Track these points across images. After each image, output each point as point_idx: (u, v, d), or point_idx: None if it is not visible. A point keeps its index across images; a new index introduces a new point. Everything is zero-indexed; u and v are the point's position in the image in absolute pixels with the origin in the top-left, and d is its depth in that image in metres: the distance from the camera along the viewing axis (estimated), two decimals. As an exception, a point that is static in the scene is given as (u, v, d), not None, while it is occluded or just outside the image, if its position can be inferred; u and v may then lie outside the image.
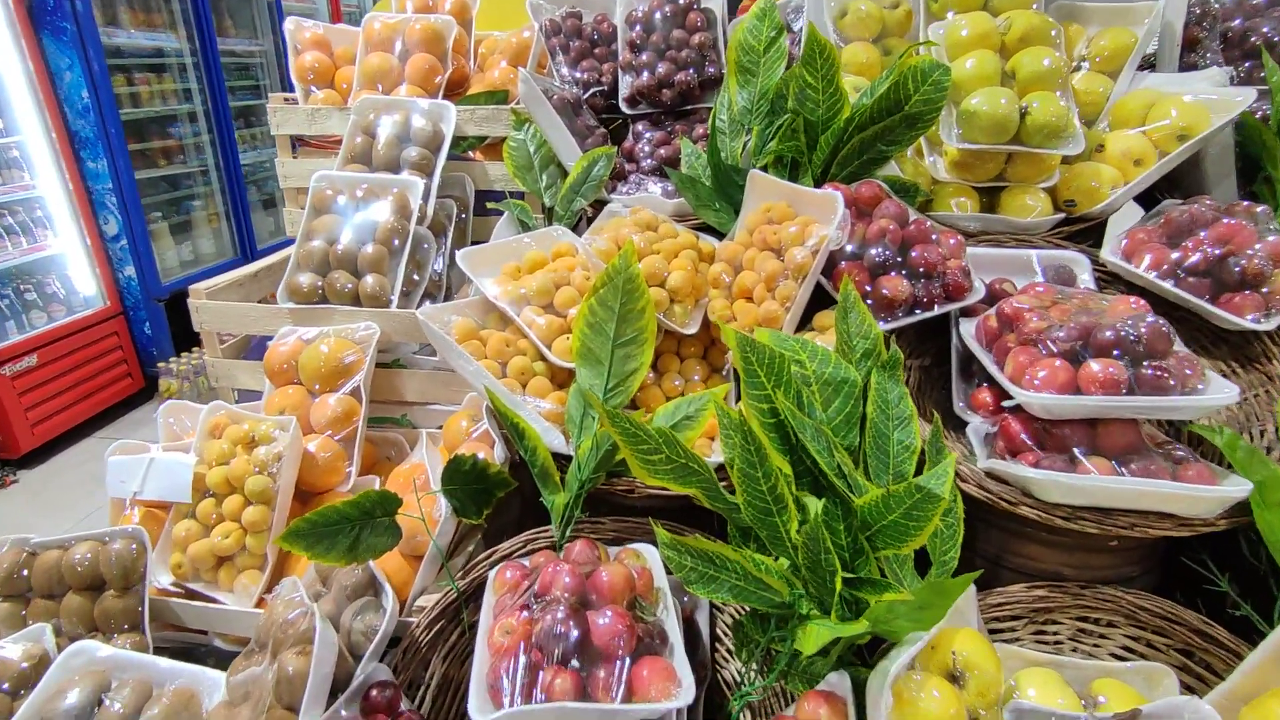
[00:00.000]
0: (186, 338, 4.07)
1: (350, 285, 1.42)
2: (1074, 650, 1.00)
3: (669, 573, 1.03)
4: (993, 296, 1.24)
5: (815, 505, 0.93)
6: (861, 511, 0.86)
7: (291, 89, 1.83)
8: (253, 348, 1.61)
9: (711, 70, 1.63)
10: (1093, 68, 1.47)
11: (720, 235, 1.43)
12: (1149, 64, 1.55)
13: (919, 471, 0.97)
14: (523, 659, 0.86)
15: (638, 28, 1.67)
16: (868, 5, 1.57)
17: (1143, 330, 0.93)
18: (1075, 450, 0.95)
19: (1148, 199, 1.36)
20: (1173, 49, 1.50)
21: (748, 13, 1.41)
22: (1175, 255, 1.18)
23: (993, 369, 1.05)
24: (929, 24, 1.54)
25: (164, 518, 1.28)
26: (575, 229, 1.50)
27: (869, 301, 1.18)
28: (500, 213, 1.67)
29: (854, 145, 1.32)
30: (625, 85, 1.67)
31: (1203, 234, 1.17)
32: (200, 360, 3.86)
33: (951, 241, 1.22)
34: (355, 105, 1.62)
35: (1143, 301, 1.01)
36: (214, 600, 1.19)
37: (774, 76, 1.39)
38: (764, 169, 1.38)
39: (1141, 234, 1.24)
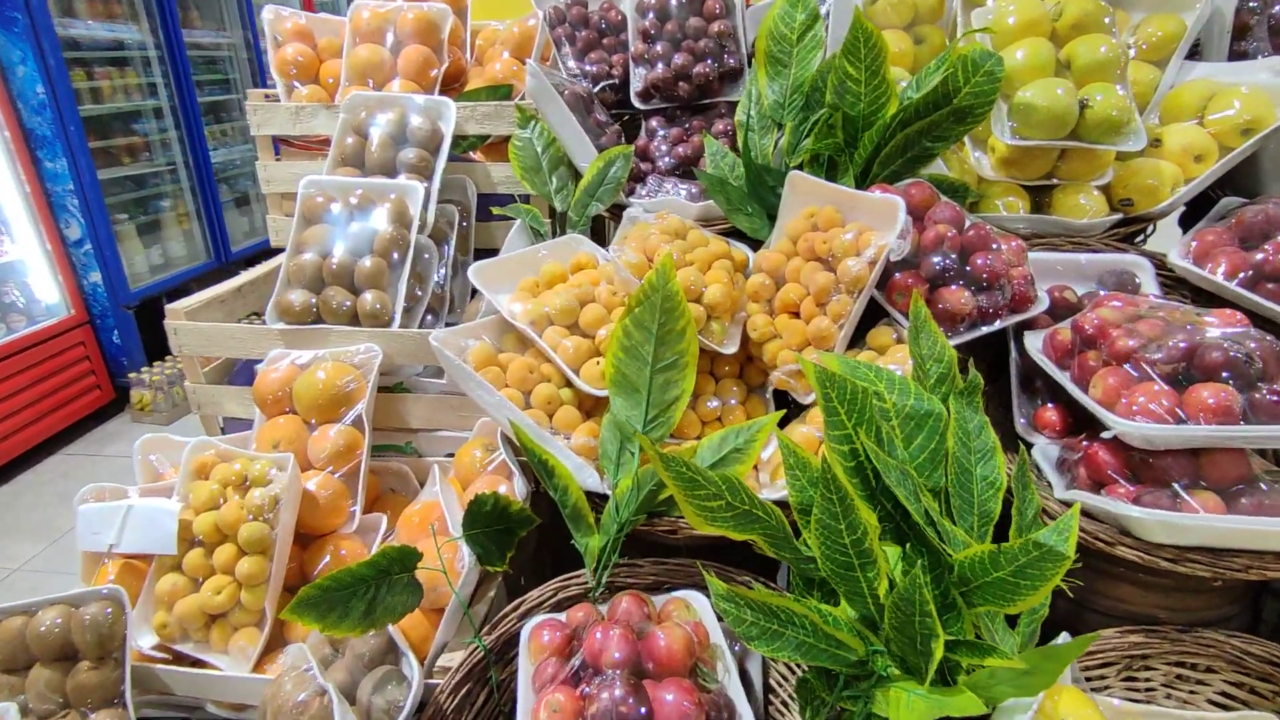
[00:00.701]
0: (159, 346, 3.88)
1: (348, 303, 1.28)
2: (1168, 698, 0.92)
3: (718, 618, 0.93)
4: (1054, 307, 1.15)
5: (895, 555, 0.82)
6: (959, 567, 0.76)
7: (267, 84, 1.68)
8: (238, 370, 1.47)
9: (731, 61, 1.51)
10: (1139, 56, 1.37)
11: (750, 241, 1.32)
12: (1194, 53, 1.46)
13: (1005, 510, 0.88)
14: (577, 746, 0.75)
15: (650, 15, 1.54)
16: (900, -10, 1.46)
17: (1254, 349, 0.84)
18: (1176, 484, 0.85)
19: (1198, 196, 1.27)
20: (1223, 36, 1.41)
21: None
22: (1258, 258, 1.09)
23: (1076, 392, 0.95)
24: (967, 10, 1.43)
25: (144, 570, 1.14)
26: (591, 236, 1.38)
27: (936, 317, 1.08)
28: (505, 219, 1.54)
29: (898, 142, 1.22)
30: (638, 78, 1.54)
31: (1283, 235, 1.08)
32: (175, 370, 3.68)
33: (1012, 246, 1.12)
34: (345, 102, 1.48)
35: (1241, 315, 0.92)
36: (206, 665, 1.06)
37: (809, 68, 1.28)
38: (798, 168, 1.27)
39: (1211, 236, 1.15)
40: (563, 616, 0.95)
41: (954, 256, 1.08)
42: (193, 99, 3.96)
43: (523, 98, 1.53)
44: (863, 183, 1.24)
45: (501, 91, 1.50)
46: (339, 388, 1.20)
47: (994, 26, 1.30)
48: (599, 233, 1.54)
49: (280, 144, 1.65)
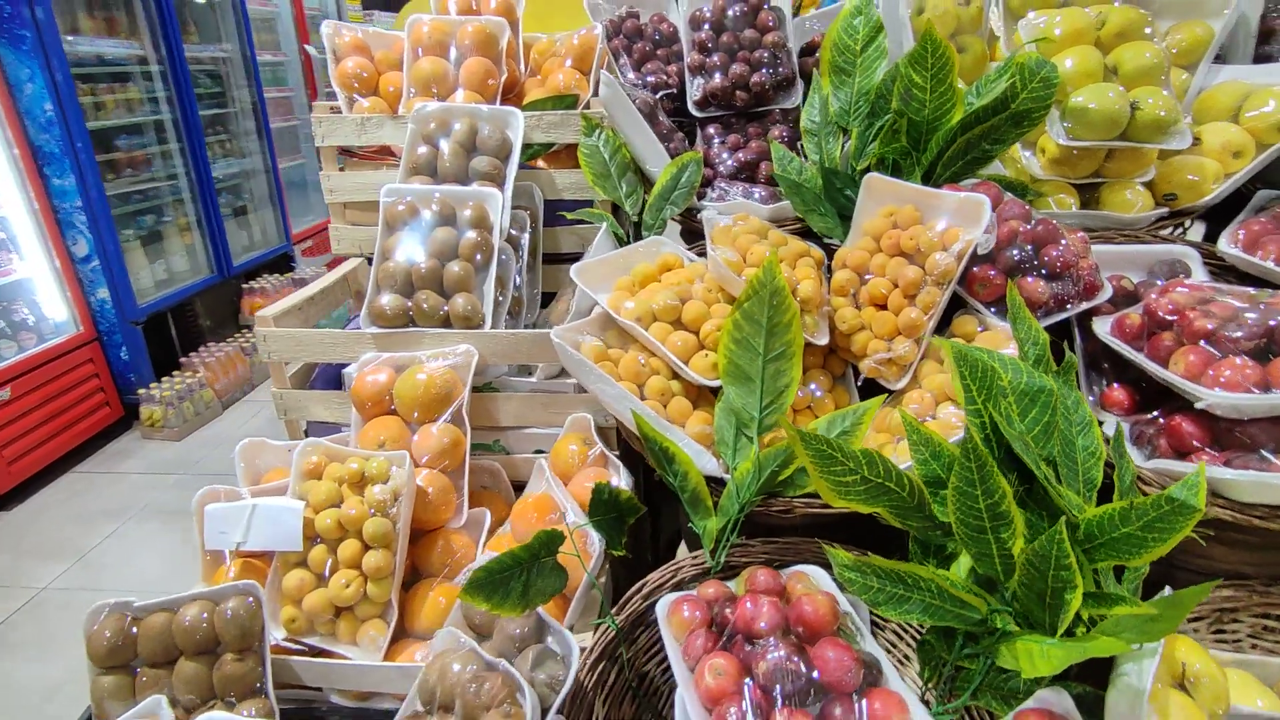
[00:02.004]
0: (167, 362, 3.84)
1: (440, 306, 1.33)
2: (1253, 648, 1.00)
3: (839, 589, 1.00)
4: (1114, 294, 1.23)
5: (1021, 517, 0.90)
6: (1086, 525, 0.84)
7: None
8: (316, 376, 1.50)
9: (784, 70, 1.59)
10: (1171, 61, 1.48)
11: (818, 240, 1.39)
12: (1219, 57, 1.57)
13: (1107, 477, 0.95)
14: (748, 702, 0.80)
15: (705, 28, 1.61)
16: (944, 3, 1.55)
17: (1328, 325, 0.93)
18: (1263, 450, 0.94)
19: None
20: (1247, 41, 1.52)
21: (840, 11, 1.37)
22: None
23: (1157, 370, 1.04)
24: (1008, 21, 1.53)
25: (262, 569, 1.17)
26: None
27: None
28: (569, 223, 1.60)
29: (960, 145, 1.30)
30: (695, 87, 1.61)
31: (1323, 224, 1.18)
32: (185, 384, 3.65)
33: (1077, 238, 1.21)
34: (413, 113, 1.52)
35: (1306, 295, 1.01)
36: (336, 655, 1.10)
37: (873, 76, 1.36)
38: (865, 170, 1.35)
39: (1257, 226, 1.25)
40: (693, 593, 1.01)
41: (1029, 249, 1.16)
42: (194, 113, 3.95)
43: (586, 106, 1.59)
44: (927, 184, 1.32)
45: (567, 101, 1.56)
46: (440, 388, 1.24)
47: (1041, 37, 1.40)
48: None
49: (342, 154, 1.69)
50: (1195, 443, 1.00)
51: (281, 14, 4.99)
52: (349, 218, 1.69)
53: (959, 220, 1.14)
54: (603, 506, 1.07)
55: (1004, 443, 0.91)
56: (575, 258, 1.67)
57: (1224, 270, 1.30)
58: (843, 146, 1.39)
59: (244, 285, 4.38)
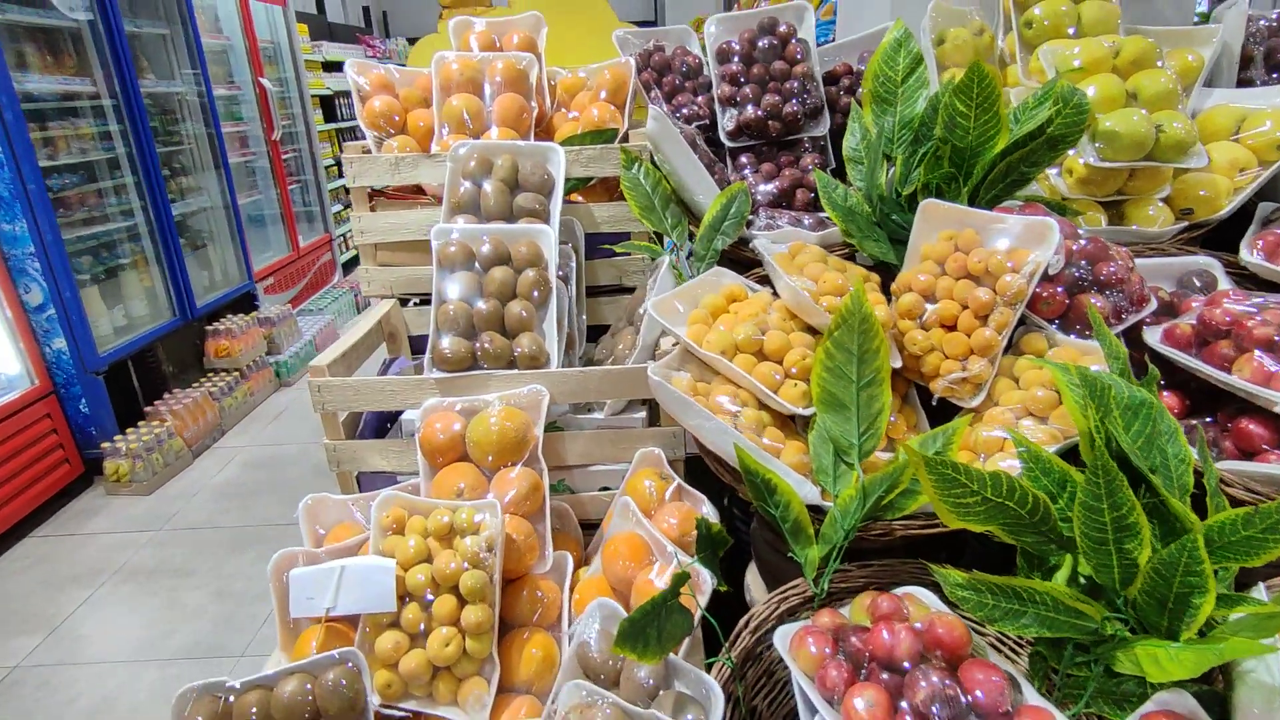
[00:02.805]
0: (130, 412, 3.64)
1: (506, 347, 1.31)
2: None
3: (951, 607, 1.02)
4: (1160, 305, 1.31)
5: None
6: (1208, 531, 0.88)
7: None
8: (364, 425, 1.45)
9: (813, 101, 1.63)
10: (1172, 86, 1.58)
11: (872, 265, 1.43)
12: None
13: (1198, 483, 1.00)
14: (910, 733, 0.81)
15: (735, 60, 1.65)
16: (962, 31, 1.63)
17: (1382, 329, 1.01)
18: (1334, 447, 1.01)
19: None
20: (1231, 67, 1.64)
21: (881, 45, 1.42)
22: None
23: (1222, 376, 1.10)
24: (1023, 51, 1.62)
25: (347, 633, 1.12)
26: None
27: (1074, 323, 1.22)
28: (609, 254, 1.60)
29: (1000, 170, 1.36)
30: (728, 118, 1.64)
31: (1338, 234, 1.28)
32: (152, 435, 3.46)
33: (1122, 253, 1.28)
34: (451, 152, 1.50)
35: (1350, 302, 1.10)
36: (439, 718, 1.05)
37: (915, 105, 1.41)
38: (911, 196, 1.40)
39: (1273, 236, 1.35)
40: (809, 623, 1.01)
41: (1085, 266, 1.22)
42: (151, 150, 3.78)
43: (624, 138, 1.60)
44: (972, 206, 1.38)
45: (606, 135, 1.57)
46: (516, 431, 1.22)
47: (1061, 64, 1.48)
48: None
49: (375, 195, 1.65)
50: (1264, 444, 1.06)
51: (234, 46, 4.84)
52: (380, 259, 1.65)
53: (1022, 242, 1.19)
54: (704, 542, 1.06)
55: (1116, 456, 0.94)
56: (614, 290, 1.67)
57: (1245, 279, 1.39)
58: (887, 173, 1.44)
59: (207, 327, 4.19)
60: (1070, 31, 1.57)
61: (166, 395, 3.79)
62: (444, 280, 1.37)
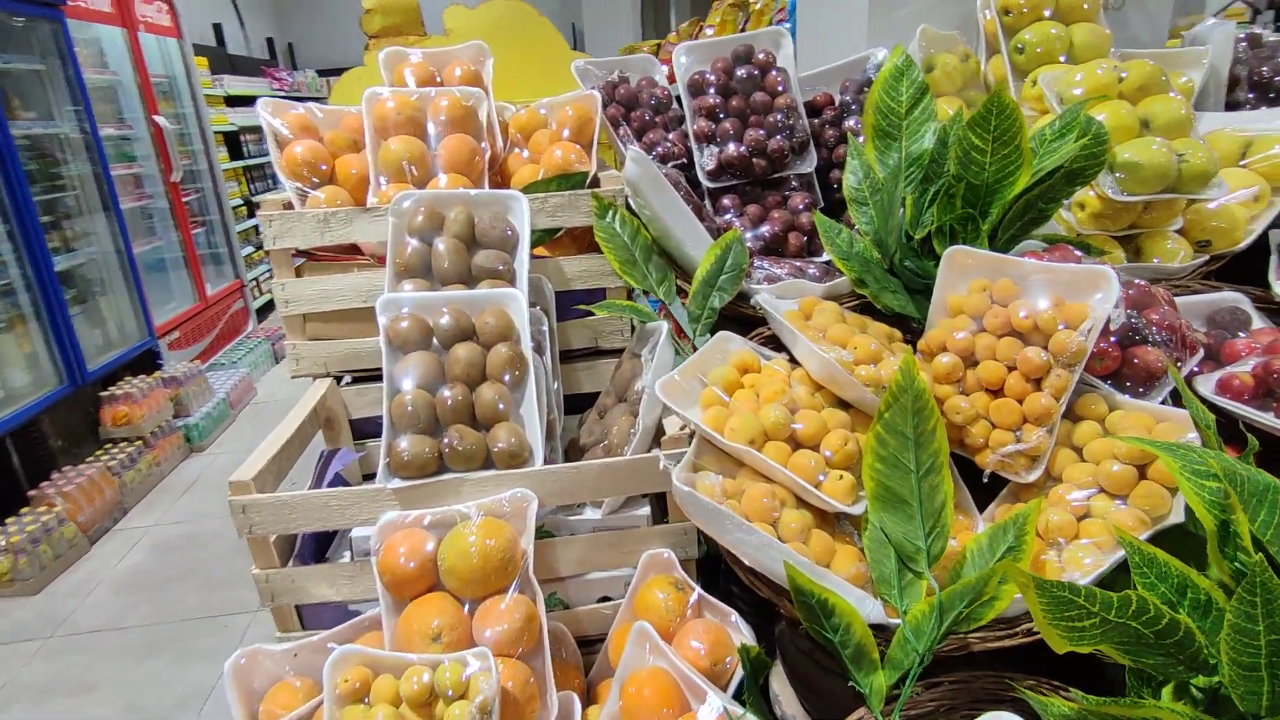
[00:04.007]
0: (11, 498, 3.16)
1: (479, 444, 1.08)
2: None
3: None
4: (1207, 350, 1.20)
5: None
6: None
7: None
8: (302, 546, 1.19)
9: (799, 134, 1.48)
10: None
11: (876, 314, 1.28)
12: (1190, 104, 1.64)
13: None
14: None
15: (711, 91, 1.48)
16: (951, 58, 1.52)
17: None
18: None
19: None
20: (1219, 90, 1.59)
21: (881, 73, 1.28)
22: None
23: (1305, 435, 0.99)
24: (1016, 78, 1.51)
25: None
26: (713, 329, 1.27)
27: (1126, 379, 1.09)
28: (583, 314, 1.40)
29: (1019, 207, 1.24)
30: (708, 157, 1.47)
31: (1372, 265, 1.20)
32: (39, 523, 3.01)
33: (1165, 296, 1.16)
34: (394, 205, 1.27)
35: None
36: None
37: (922, 139, 1.27)
38: (925, 240, 1.26)
39: (1301, 269, 1.27)
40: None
41: (1134, 314, 1.09)
42: (26, 196, 3.34)
43: (594, 182, 1.40)
44: (993, 249, 1.24)
45: (574, 179, 1.37)
46: (501, 551, 0.99)
47: (1062, 93, 1.38)
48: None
49: (302, 257, 1.39)
50: (1361, 511, 0.95)
51: (123, 82, 4.40)
52: (309, 332, 1.39)
53: (1069, 293, 1.06)
54: (750, 679, 0.86)
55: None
56: (589, 354, 1.46)
57: (1273, 313, 1.30)
58: (900, 216, 1.29)
59: (102, 393, 3.72)
60: (1062, 59, 1.48)
61: (55, 475, 3.31)
62: (396, 363, 1.13)
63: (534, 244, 1.43)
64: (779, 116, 1.45)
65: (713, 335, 1.26)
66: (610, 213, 1.35)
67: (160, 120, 4.51)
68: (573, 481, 1.08)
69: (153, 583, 3.04)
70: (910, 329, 1.28)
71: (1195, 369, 1.18)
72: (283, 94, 7.16)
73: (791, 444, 1.00)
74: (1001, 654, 0.96)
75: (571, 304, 1.41)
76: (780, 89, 1.48)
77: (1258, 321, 1.28)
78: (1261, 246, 1.36)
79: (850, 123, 1.52)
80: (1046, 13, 1.47)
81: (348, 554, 1.21)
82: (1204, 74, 1.52)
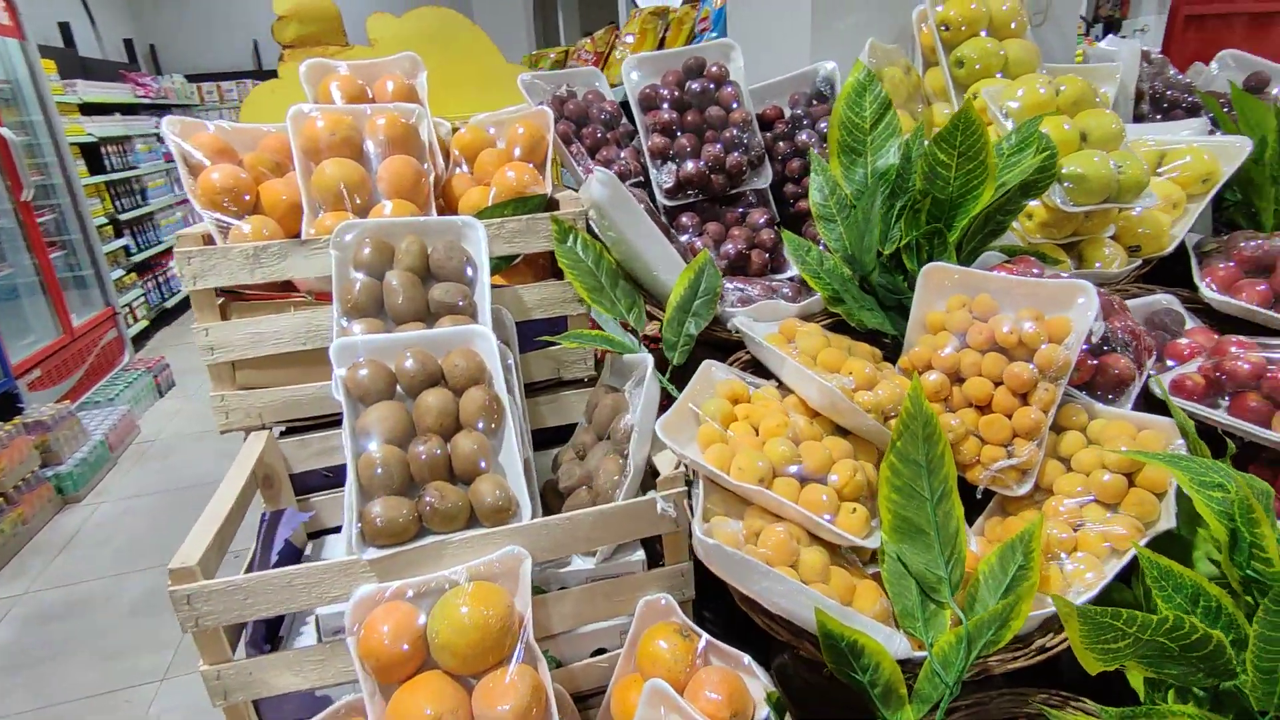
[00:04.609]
0: None
1: (461, 501, 0.98)
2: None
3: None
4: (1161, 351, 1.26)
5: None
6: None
7: None
8: (253, 631, 1.04)
9: (755, 149, 1.46)
10: (1077, 123, 1.59)
11: (854, 334, 1.27)
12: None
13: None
14: None
15: (665, 107, 1.43)
16: (895, 71, 1.54)
17: None
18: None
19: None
20: (1127, 104, 1.70)
21: (844, 89, 1.27)
22: (1263, 287, 1.30)
23: (1260, 431, 1.05)
24: (957, 91, 1.55)
25: None
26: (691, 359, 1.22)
27: (1098, 388, 1.12)
28: (542, 345, 1.32)
29: (980, 220, 1.26)
30: (666, 174, 1.42)
31: (1285, 266, 1.30)
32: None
33: (1118, 302, 1.21)
34: (335, 237, 1.15)
35: (1351, 342, 1.09)
36: None
37: (887, 155, 1.28)
38: (894, 255, 1.26)
39: (1223, 270, 1.36)
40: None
41: (1104, 324, 1.13)
42: None
43: (553, 204, 1.32)
44: (959, 262, 1.26)
45: (532, 203, 1.28)
46: (499, 621, 0.90)
47: (1003, 107, 1.42)
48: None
49: (226, 297, 1.23)
50: (1315, 498, 1.02)
51: (23, 98, 3.86)
52: (241, 380, 1.23)
53: (1048, 306, 1.08)
54: (783, 733, 0.82)
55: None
56: (550, 386, 1.39)
57: (1199, 312, 1.39)
58: (873, 231, 1.29)
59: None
60: (998, 74, 1.53)
61: (-103, 548, 2.86)
62: (359, 417, 1.01)
63: (490, 273, 1.34)
64: (735, 131, 1.42)
65: (688, 362, 1.22)
66: (572, 236, 1.28)
67: (4, 132, 4.00)
68: (567, 534, 1.00)
69: (29, 662, 2.67)
70: (882, 345, 1.27)
71: (1151, 370, 1.24)
72: (148, 101, 6.55)
73: (798, 477, 0.96)
74: (1013, 672, 0.97)
75: (532, 334, 1.33)
76: (735, 104, 1.45)
77: (1190, 321, 1.37)
78: (1184, 250, 1.46)
79: (802, 136, 1.52)
80: (983, 31, 1.52)
81: (310, 630, 1.08)
82: (1116, 88, 1.62)
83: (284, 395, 1.24)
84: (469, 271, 1.20)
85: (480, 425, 1.05)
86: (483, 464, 1.02)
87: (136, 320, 5.57)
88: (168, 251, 6.27)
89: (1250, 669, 0.77)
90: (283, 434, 1.31)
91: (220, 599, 0.91)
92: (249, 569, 1.09)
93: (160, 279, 6.33)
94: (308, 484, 1.31)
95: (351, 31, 1.56)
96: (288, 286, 1.26)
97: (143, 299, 5.87)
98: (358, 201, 1.24)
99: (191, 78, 8.04)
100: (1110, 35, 1.78)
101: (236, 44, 8.79)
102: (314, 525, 1.32)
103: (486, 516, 0.99)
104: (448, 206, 1.39)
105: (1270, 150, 1.44)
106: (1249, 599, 0.82)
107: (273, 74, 1.63)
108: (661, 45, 2.64)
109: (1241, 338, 1.19)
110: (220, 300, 1.24)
